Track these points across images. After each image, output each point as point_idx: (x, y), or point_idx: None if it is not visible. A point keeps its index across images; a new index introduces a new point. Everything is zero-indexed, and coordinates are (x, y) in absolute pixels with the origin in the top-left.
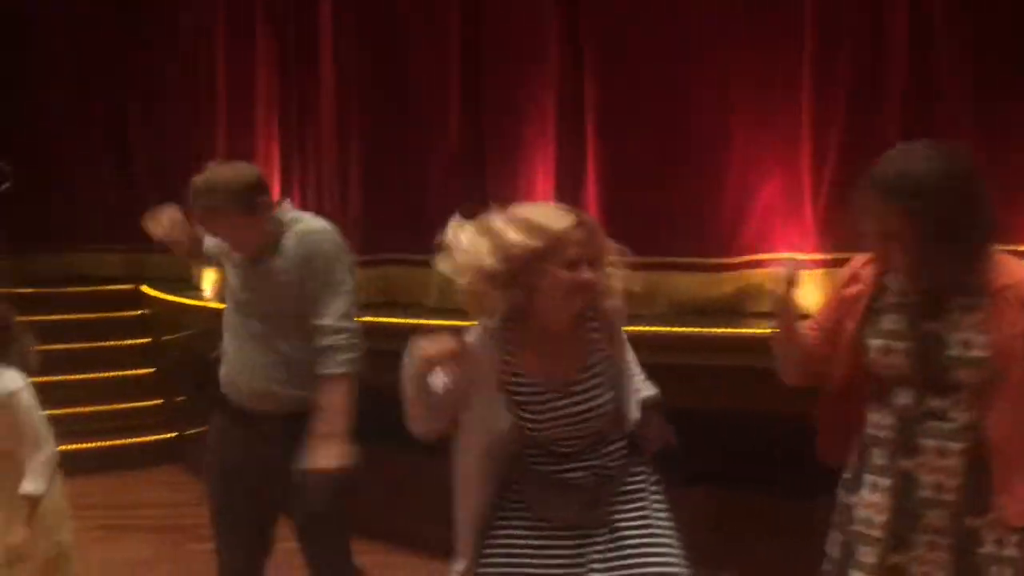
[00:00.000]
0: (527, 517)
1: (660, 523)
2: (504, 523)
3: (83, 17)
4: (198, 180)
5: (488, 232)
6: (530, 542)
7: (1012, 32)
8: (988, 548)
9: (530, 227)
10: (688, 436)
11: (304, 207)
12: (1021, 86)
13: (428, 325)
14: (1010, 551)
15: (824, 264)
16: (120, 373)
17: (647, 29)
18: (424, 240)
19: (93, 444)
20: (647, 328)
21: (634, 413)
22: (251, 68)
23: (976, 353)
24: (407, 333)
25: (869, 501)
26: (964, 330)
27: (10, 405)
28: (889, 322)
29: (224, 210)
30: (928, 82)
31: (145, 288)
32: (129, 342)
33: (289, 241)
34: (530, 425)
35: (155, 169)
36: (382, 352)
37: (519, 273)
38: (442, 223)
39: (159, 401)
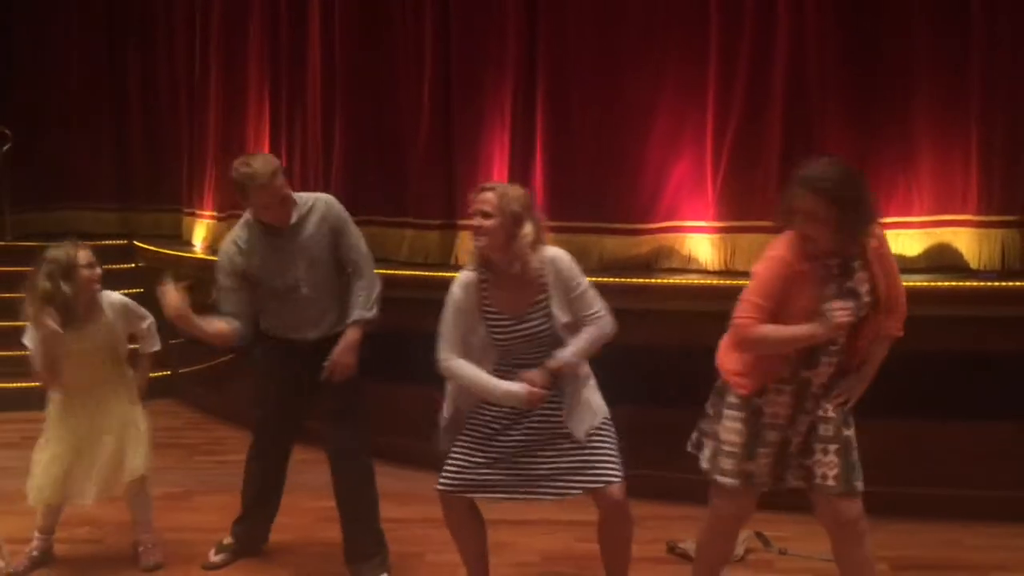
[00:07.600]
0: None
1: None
2: (479, 413)
3: None
4: (255, 165)
5: None
6: (493, 423)
7: (874, 47)
8: (830, 414)
9: None
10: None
11: (292, 173)
12: (881, 91)
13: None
14: (831, 413)
15: (720, 230)
16: None
17: (586, 49)
18: (398, 206)
19: None
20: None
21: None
22: (244, 58)
23: (870, 297)
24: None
25: (775, 400)
26: (863, 283)
27: (125, 304)
28: (828, 289)
29: (274, 184)
30: (802, 97)
31: (137, 242)
32: (124, 292)
33: (309, 213)
34: (498, 341)
35: (148, 137)
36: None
37: None
38: (414, 193)
39: None
